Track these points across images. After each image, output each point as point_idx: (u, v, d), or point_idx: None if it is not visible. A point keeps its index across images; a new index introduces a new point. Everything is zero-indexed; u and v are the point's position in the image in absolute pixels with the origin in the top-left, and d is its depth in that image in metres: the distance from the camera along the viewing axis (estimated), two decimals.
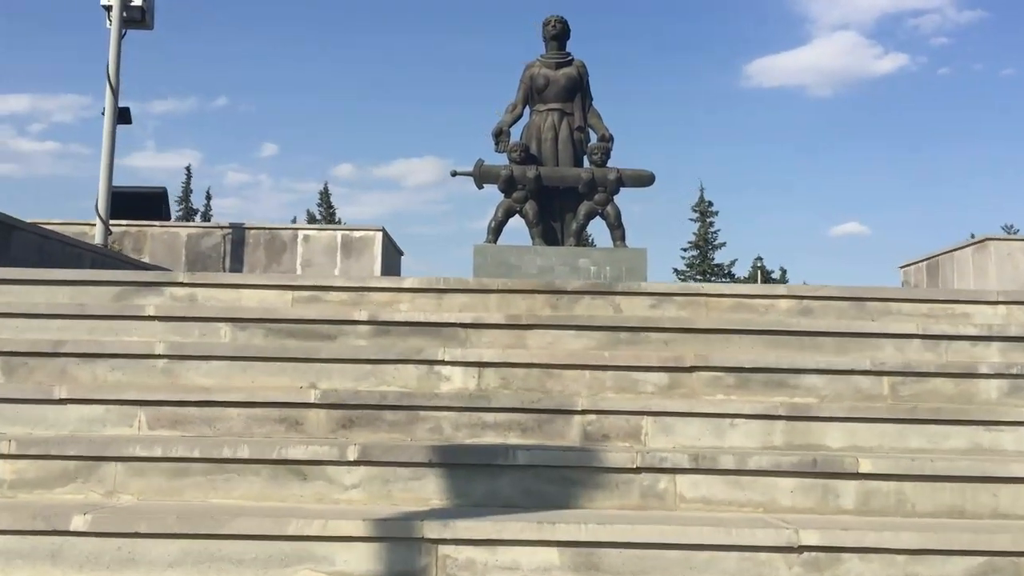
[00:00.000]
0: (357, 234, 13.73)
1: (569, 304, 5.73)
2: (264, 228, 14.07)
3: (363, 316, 5.30)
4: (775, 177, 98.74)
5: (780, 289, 5.85)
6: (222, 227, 14.08)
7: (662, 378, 4.90)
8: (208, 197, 63.29)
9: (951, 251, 14.61)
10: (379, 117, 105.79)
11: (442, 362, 4.91)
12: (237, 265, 13.74)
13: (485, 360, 4.93)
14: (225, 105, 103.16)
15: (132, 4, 13.01)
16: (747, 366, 4.90)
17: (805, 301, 5.73)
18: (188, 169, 63.38)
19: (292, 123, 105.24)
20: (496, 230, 37.28)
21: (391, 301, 5.69)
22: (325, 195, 64.56)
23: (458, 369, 4.90)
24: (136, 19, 13.18)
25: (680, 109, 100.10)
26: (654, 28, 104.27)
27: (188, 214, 61.33)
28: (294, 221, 63.62)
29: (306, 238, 13.75)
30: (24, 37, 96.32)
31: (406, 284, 5.82)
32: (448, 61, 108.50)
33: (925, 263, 15.59)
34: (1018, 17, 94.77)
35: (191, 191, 62.80)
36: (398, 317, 5.34)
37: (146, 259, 13.76)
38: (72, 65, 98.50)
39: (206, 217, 61.97)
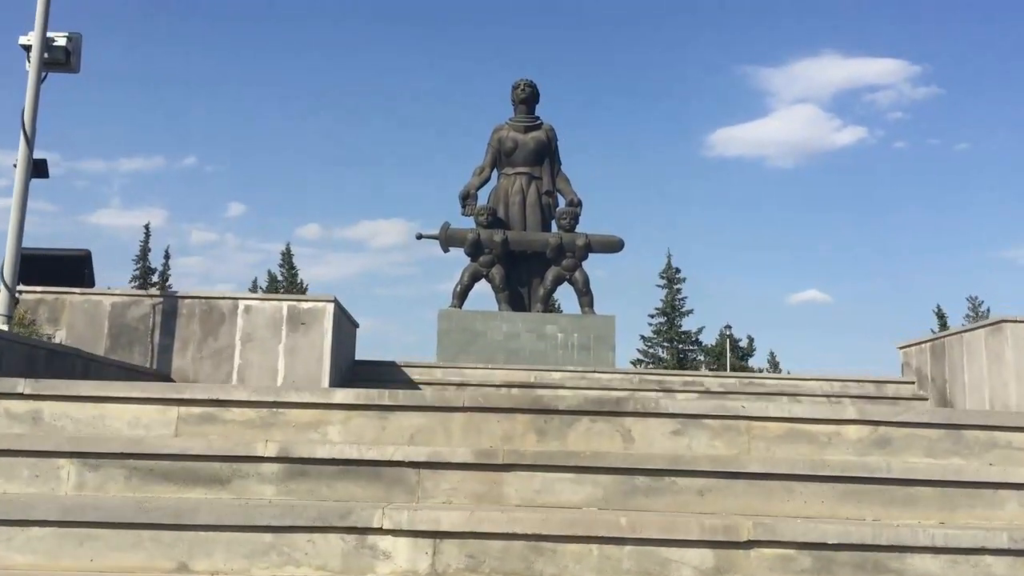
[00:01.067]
0: (305, 305, 12.10)
1: (561, 429, 4.19)
2: (200, 297, 12.37)
3: (271, 450, 3.71)
4: (737, 243, 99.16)
5: (848, 411, 4.34)
6: (152, 296, 12.37)
7: (705, 558, 3.34)
8: (167, 256, 61.04)
9: (960, 332, 13.35)
10: (346, 178, 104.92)
11: (380, 530, 3.32)
12: (168, 339, 12.02)
13: (443, 528, 3.34)
14: (193, 164, 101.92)
15: (55, 44, 11.47)
16: (831, 541, 3.35)
17: (881, 428, 4.23)
18: (147, 228, 61.09)
19: (260, 183, 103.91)
20: (462, 295, 35.14)
21: (316, 422, 4.10)
22: (287, 256, 62.81)
23: (403, 542, 3.31)
24: (60, 61, 11.60)
25: (645, 175, 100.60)
26: (616, 93, 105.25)
27: (146, 273, 59.08)
28: (253, 284, 61.68)
29: (247, 309, 12.08)
30: None
31: (337, 399, 4.24)
32: (415, 123, 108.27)
33: (929, 345, 14.32)
34: (970, 94, 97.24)
35: (150, 250, 60.56)
36: (322, 452, 3.76)
37: (62, 332, 11.99)
38: None
39: (164, 277, 59.71)
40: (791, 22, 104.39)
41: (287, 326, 11.95)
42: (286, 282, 60.94)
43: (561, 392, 13.93)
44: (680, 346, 60.50)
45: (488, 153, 41.25)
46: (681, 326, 60.80)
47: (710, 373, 17.26)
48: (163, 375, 11.85)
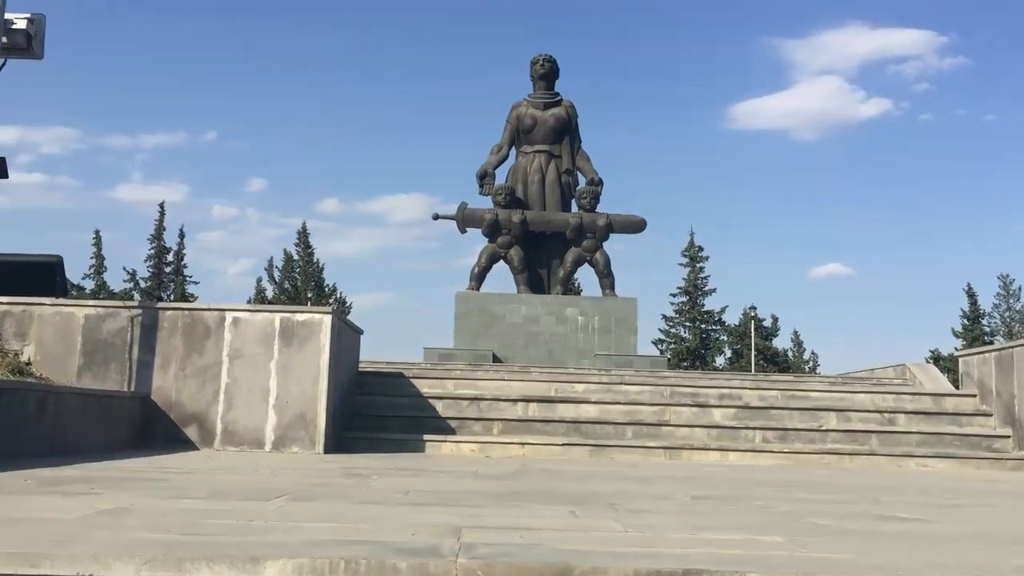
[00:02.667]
0: (300, 317, 10.87)
1: None
2: (183, 309, 11.17)
3: None
4: (758, 217, 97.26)
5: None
6: (130, 306, 11.17)
7: None
8: (182, 235, 59.71)
9: None
10: (366, 152, 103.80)
11: None
12: (148, 355, 10.83)
13: None
14: (214, 140, 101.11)
15: (14, 27, 10.22)
16: None
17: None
18: (161, 206, 59.49)
19: (280, 158, 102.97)
20: (479, 276, 33.48)
21: None
22: (303, 235, 61.26)
23: None
24: (20, 46, 10.39)
25: (667, 149, 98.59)
26: (638, 67, 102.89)
27: (161, 252, 57.87)
28: (269, 263, 60.39)
29: (236, 321, 10.86)
30: None
31: None
32: (436, 97, 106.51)
33: (995, 355, 12.91)
34: (998, 65, 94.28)
35: (164, 228, 59.33)
36: None
37: (31, 348, 10.82)
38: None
39: (179, 256, 58.58)
40: None
41: (280, 340, 10.75)
42: (302, 261, 59.72)
43: (585, 408, 12.65)
44: (703, 326, 59.01)
45: (506, 130, 39.51)
46: (704, 305, 59.26)
47: (748, 380, 15.89)
48: (141, 396, 10.66)
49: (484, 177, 37.99)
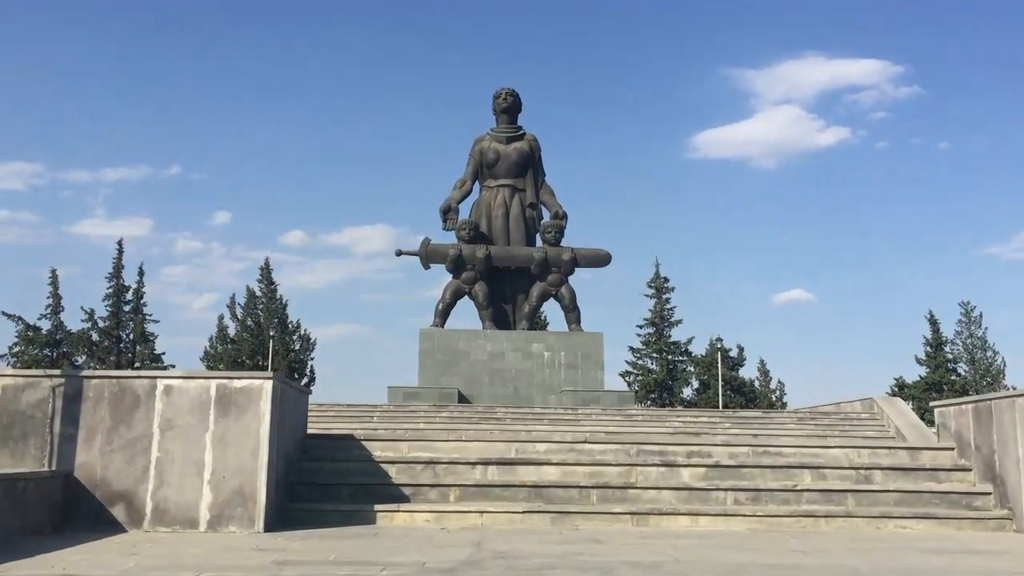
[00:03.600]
0: (238, 384, 10.06)
1: None
2: (109, 377, 10.29)
3: None
4: (721, 245, 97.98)
5: None
6: (51, 375, 10.29)
7: None
8: (141, 273, 57.91)
9: (1013, 396, 11.46)
10: (330, 184, 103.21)
11: None
12: (71, 429, 9.94)
13: None
14: (177, 173, 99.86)
15: None
16: None
17: None
18: (119, 244, 57.64)
19: (245, 190, 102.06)
20: (444, 313, 32.76)
21: None
22: (266, 270, 59.90)
23: None
24: None
25: (630, 179, 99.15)
26: (600, 97, 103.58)
27: (120, 291, 56.17)
28: (231, 300, 58.84)
29: (168, 390, 10.02)
30: None
31: None
32: (399, 129, 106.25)
33: (972, 407, 12.40)
34: (952, 93, 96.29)
35: (123, 267, 57.65)
36: None
37: None
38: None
39: (139, 295, 56.87)
40: (774, 24, 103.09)
41: (216, 409, 9.95)
42: (265, 298, 58.40)
43: (547, 470, 11.94)
44: (670, 357, 58.59)
45: (469, 165, 38.97)
46: (671, 336, 58.93)
47: (719, 437, 15.34)
48: (63, 474, 9.77)
49: (448, 212, 37.28)
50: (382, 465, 11.73)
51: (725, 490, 11.56)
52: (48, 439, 9.83)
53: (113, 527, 9.60)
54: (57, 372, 10.28)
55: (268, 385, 10.03)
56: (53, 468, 9.73)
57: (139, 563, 7.21)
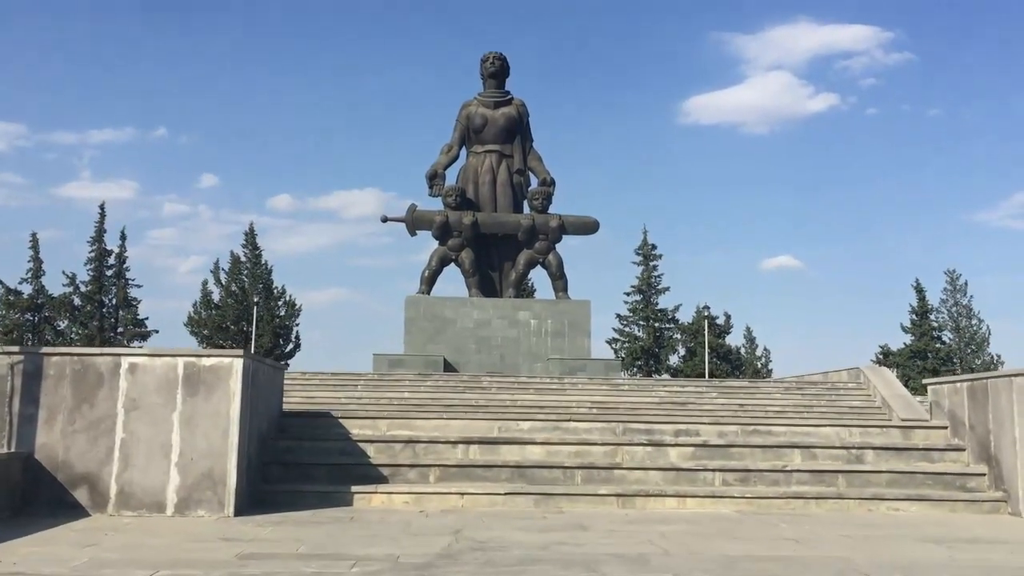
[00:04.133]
0: (207, 362, 9.59)
1: None
2: (71, 354, 9.80)
3: None
4: (712, 212, 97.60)
5: None
6: (10, 352, 9.80)
7: None
8: (123, 237, 56.82)
9: (1010, 376, 11.08)
10: (318, 148, 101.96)
11: None
12: (31, 408, 9.47)
13: None
14: (164, 135, 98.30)
15: None
16: None
17: None
18: (102, 208, 56.44)
19: (232, 154, 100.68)
20: (430, 280, 32.18)
21: None
22: (251, 235, 58.90)
23: None
24: None
25: (620, 144, 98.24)
26: (590, 63, 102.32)
27: (102, 255, 55.26)
28: (215, 265, 57.93)
29: (133, 368, 9.55)
30: None
31: None
32: (388, 92, 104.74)
33: (967, 385, 12.07)
34: (942, 60, 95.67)
35: (105, 231, 56.54)
36: None
37: None
38: None
39: (121, 259, 55.87)
40: None
41: (184, 388, 9.49)
42: (250, 263, 57.61)
43: (531, 450, 11.56)
44: (656, 325, 58.35)
45: (456, 130, 38.08)
46: (658, 304, 58.60)
47: (706, 413, 15.04)
48: (23, 456, 9.32)
49: (434, 178, 36.49)
50: (360, 444, 11.33)
51: (713, 471, 11.23)
52: (7, 419, 9.37)
53: (76, 511, 9.18)
54: (15, 349, 9.78)
55: (238, 363, 9.57)
56: (12, 449, 9.28)
57: (93, 557, 6.79)
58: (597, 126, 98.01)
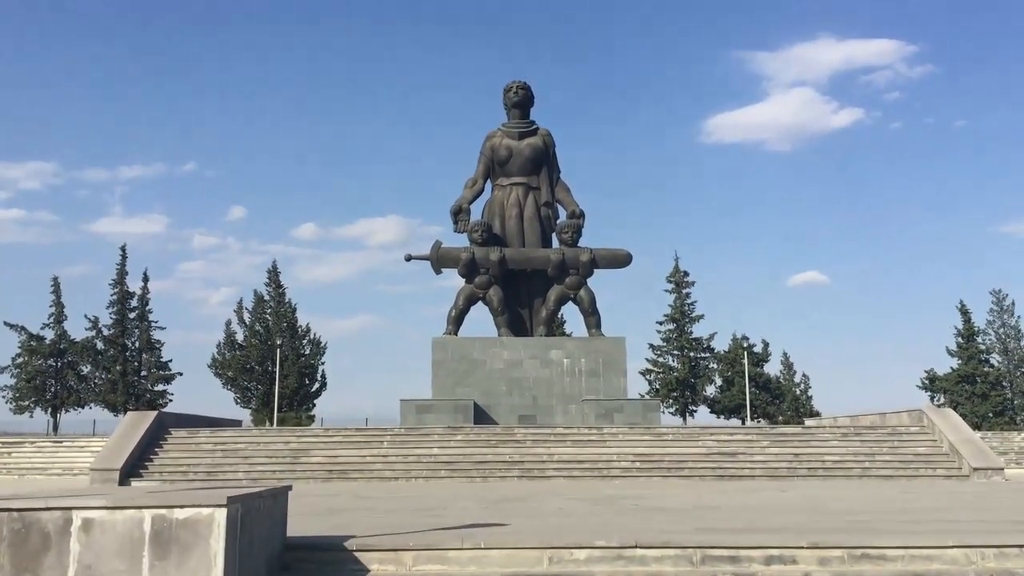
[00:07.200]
0: (181, 514, 7.33)
1: None
2: (9, 509, 7.76)
3: None
4: (738, 230, 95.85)
5: None
6: None
7: None
8: (145, 279, 55.69)
9: None
10: (341, 177, 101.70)
11: None
12: None
13: None
14: (193, 170, 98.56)
15: None
16: None
17: None
18: (123, 250, 55.42)
19: (258, 186, 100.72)
20: (457, 319, 30.43)
21: None
22: (273, 273, 57.45)
23: None
24: None
25: (643, 167, 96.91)
26: (611, 84, 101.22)
27: (124, 298, 54.28)
28: (239, 305, 56.60)
29: (87, 525, 7.44)
30: None
31: None
32: (408, 120, 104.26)
33: None
34: (966, 71, 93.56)
35: (127, 273, 55.43)
36: None
37: None
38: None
39: (144, 301, 54.83)
40: (787, 6, 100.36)
41: (152, 551, 7.26)
42: (273, 301, 56.51)
43: None
44: (691, 354, 56.49)
45: (480, 163, 36.51)
46: (692, 332, 56.76)
47: (759, 467, 13.30)
48: None
49: (459, 213, 35.10)
50: None
51: None
52: None
53: None
54: None
55: (220, 515, 7.46)
56: None
57: None
58: (620, 148, 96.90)
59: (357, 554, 8.86)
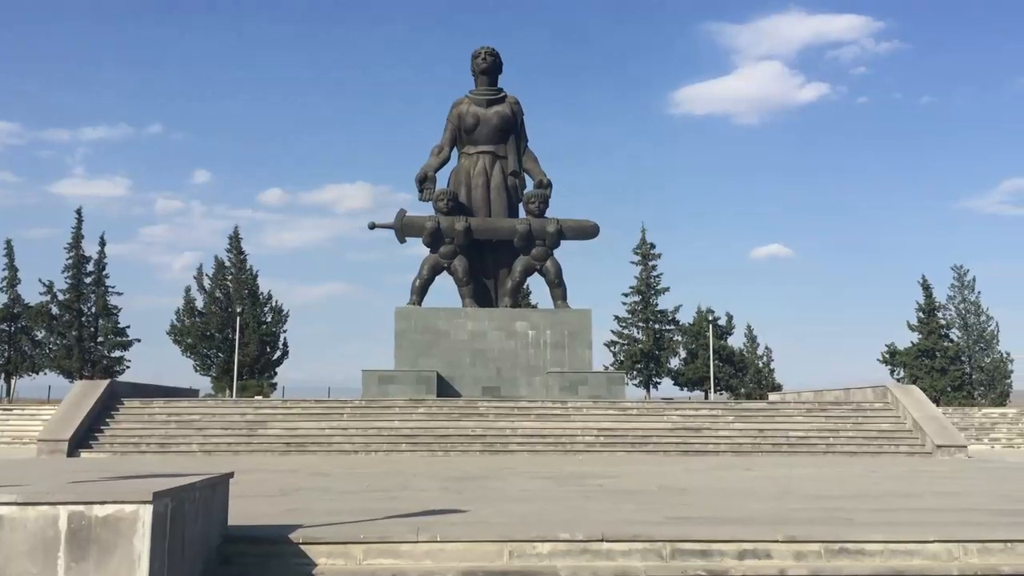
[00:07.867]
0: (101, 511, 6.54)
1: None
2: None
3: None
4: (703, 202, 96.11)
5: None
6: None
7: None
8: (102, 243, 54.04)
9: None
10: (309, 142, 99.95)
11: None
12: None
13: None
14: (158, 132, 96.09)
15: None
16: None
17: None
18: (79, 212, 53.68)
19: (224, 150, 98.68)
20: (421, 289, 29.60)
21: None
22: (235, 239, 55.97)
23: None
24: None
25: (610, 137, 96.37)
26: (579, 54, 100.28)
27: (79, 262, 52.62)
28: (198, 270, 54.93)
29: None
30: None
31: None
32: (375, 87, 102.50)
33: None
34: (933, 48, 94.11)
35: (83, 236, 53.85)
36: None
37: None
38: None
39: (100, 266, 53.28)
40: None
41: (69, 551, 6.68)
42: (234, 268, 55.24)
43: None
44: (656, 326, 56.41)
45: (447, 130, 35.51)
46: (657, 305, 56.65)
47: (723, 440, 12.93)
48: None
49: (424, 181, 34.21)
50: None
51: None
52: None
53: None
54: None
55: (146, 512, 6.75)
56: None
57: None
58: (589, 119, 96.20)
59: (304, 547, 8.20)
